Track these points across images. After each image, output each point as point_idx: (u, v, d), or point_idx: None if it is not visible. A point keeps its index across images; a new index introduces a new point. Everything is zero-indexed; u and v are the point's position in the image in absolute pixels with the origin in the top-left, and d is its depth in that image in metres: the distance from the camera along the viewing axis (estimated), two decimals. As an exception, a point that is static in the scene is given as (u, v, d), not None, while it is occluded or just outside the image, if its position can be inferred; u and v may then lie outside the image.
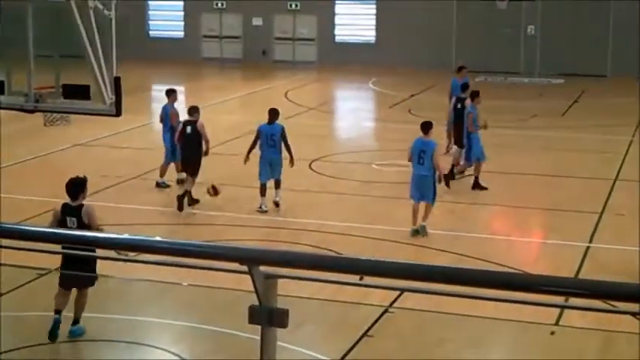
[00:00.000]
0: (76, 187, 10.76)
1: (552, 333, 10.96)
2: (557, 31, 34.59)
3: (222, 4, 38.46)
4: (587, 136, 22.66)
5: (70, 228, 10.35)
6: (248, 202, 16.51)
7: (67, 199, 10.73)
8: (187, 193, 15.91)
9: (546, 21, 34.72)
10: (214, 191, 15.64)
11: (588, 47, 34.20)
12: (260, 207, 15.86)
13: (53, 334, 10.52)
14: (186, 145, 16.12)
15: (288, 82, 33.08)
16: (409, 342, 10.89)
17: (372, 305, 11.55)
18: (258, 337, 3.88)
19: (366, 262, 3.97)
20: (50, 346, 10.47)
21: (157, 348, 10.92)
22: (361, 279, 4.23)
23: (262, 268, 3.88)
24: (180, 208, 15.64)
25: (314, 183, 18.07)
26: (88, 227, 10.38)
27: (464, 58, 34.41)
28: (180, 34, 39.40)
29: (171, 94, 17.55)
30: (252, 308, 3.86)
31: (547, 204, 16.66)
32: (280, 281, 4.01)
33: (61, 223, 10.52)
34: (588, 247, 14.19)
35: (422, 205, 14.64)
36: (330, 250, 13.49)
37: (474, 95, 17.82)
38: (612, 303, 4.74)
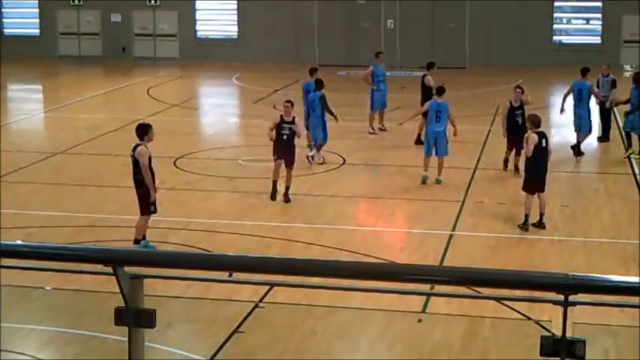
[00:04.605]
0: (140, 129, 13.30)
1: (419, 320, 11.18)
2: (416, 24, 35.29)
3: (78, 1, 37.56)
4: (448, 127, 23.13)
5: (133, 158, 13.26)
6: (112, 202, 16.19)
7: None
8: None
9: (405, 15, 35.37)
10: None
11: (447, 40, 35.03)
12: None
13: None
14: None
15: (150, 78, 32.62)
16: (280, 336, 10.92)
17: (242, 301, 11.51)
18: (126, 339, 3.81)
19: (234, 258, 3.95)
20: None
21: (21, 354, 10.59)
22: (230, 275, 4.20)
23: (128, 268, 3.81)
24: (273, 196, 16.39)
25: (180, 181, 17.85)
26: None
27: (326, 53, 34.86)
28: (36, 31, 38.29)
29: (378, 55, 23.55)
30: (118, 310, 3.79)
31: (411, 194, 16.98)
32: (149, 281, 3.94)
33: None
34: (451, 235, 14.55)
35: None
36: (199, 248, 13.37)
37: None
38: (476, 289, 4.87)
